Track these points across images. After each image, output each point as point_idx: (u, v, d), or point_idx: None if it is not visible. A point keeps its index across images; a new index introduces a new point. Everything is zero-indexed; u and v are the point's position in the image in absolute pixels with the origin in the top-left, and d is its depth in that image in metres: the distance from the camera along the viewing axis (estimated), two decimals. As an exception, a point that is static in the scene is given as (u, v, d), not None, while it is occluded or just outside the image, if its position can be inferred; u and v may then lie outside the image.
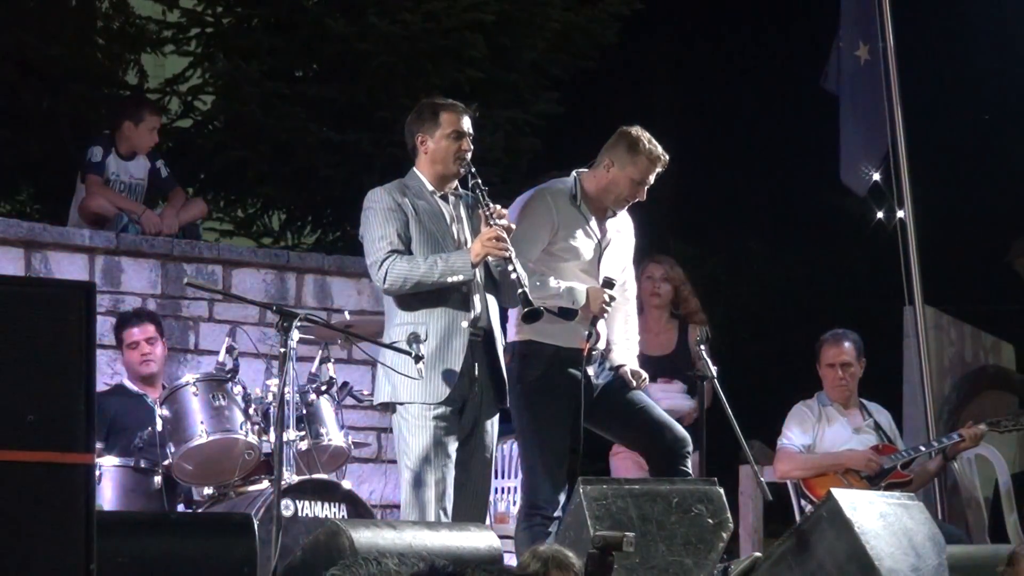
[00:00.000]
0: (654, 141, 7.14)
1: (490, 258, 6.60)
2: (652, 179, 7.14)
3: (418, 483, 6.48)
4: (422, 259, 6.54)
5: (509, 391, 6.89)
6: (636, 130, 7.18)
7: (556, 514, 6.80)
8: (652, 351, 7.93)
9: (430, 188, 6.74)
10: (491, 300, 6.73)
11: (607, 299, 6.96)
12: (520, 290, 6.51)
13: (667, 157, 7.14)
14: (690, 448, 6.98)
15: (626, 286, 7.36)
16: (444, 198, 6.77)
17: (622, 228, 7.28)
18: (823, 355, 8.66)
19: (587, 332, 6.94)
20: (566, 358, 7.03)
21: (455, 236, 6.71)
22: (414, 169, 6.80)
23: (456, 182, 6.83)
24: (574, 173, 7.22)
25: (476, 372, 6.62)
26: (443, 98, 6.92)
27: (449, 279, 6.53)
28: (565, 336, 7.02)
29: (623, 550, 5.36)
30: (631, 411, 7.14)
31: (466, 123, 6.75)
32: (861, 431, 8.60)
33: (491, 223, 6.57)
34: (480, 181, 6.69)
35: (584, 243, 7.10)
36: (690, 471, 6.92)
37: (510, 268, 6.53)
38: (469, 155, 6.72)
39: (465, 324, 6.59)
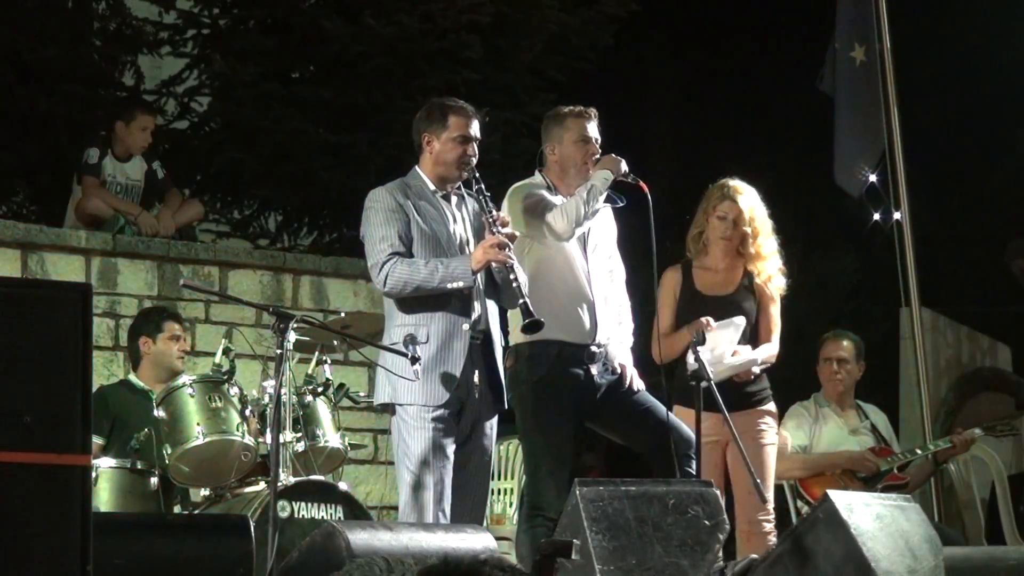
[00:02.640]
0: (573, 105, 7.26)
1: (493, 264, 6.61)
2: (594, 132, 7.19)
3: (417, 485, 6.47)
4: (423, 263, 6.52)
5: (513, 392, 6.90)
6: (553, 109, 7.35)
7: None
8: (707, 290, 7.65)
9: (432, 188, 6.71)
10: (491, 303, 6.72)
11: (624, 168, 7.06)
12: (521, 300, 6.52)
13: (593, 109, 7.23)
14: (694, 448, 6.96)
15: (614, 273, 7.37)
16: (446, 198, 6.74)
17: (602, 215, 7.28)
18: (822, 350, 8.70)
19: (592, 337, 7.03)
20: (570, 356, 7.04)
21: (457, 237, 6.68)
22: (416, 168, 6.77)
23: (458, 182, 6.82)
24: (536, 173, 7.28)
25: (475, 375, 6.60)
26: (454, 100, 6.91)
27: (449, 285, 6.51)
28: (568, 330, 7.04)
29: (571, 557, 5.40)
30: (636, 412, 7.13)
31: (474, 128, 6.72)
32: (857, 432, 8.61)
33: (494, 231, 6.57)
34: (483, 186, 6.69)
35: None
36: (694, 472, 6.91)
37: (511, 277, 6.53)
38: (474, 161, 6.71)
39: (466, 327, 6.56)
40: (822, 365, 8.66)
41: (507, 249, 6.51)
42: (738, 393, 7.43)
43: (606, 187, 7.04)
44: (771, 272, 7.70)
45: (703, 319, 7.31)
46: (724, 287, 7.64)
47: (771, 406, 7.63)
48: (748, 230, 7.63)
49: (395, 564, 5.05)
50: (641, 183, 7.08)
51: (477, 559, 4.34)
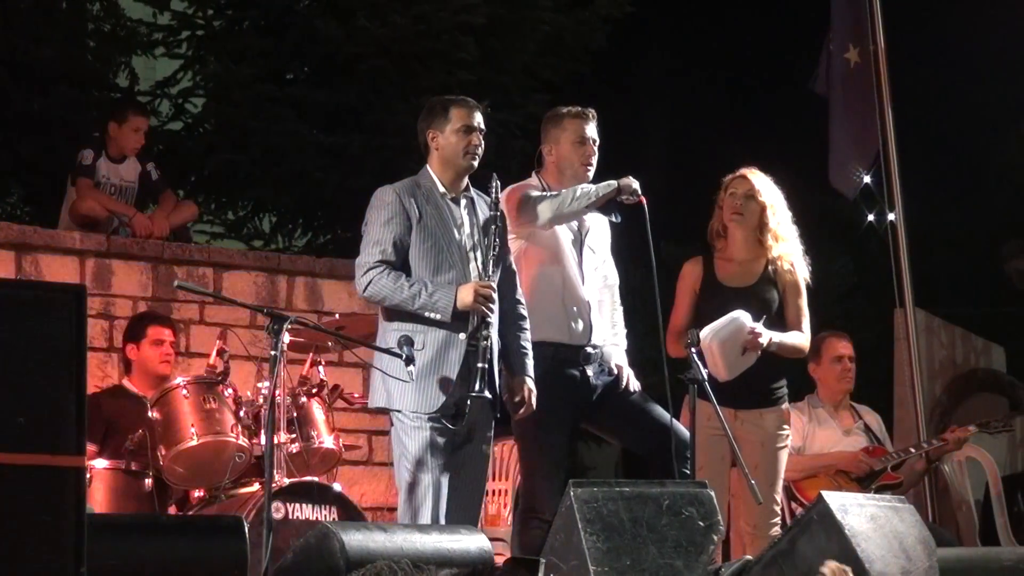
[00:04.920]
0: (571, 106, 7.27)
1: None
2: (592, 133, 7.21)
3: (413, 491, 6.47)
4: (407, 284, 6.48)
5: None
6: (552, 110, 7.34)
7: (555, 518, 6.79)
8: (728, 281, 7.47)
9: (441, 190, 6.69)
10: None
11: (635, 188, 7.05)
12: (480, 364, 6.51)
13: (592, 110, 7.24)
14: (691, 449, 6.94)
15: (608, 278, 7.38)
16: (455, 201, 6.74)
17: (596, 218, 7.29)
18: (829, 349, 8.63)
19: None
20: (565, 358, 7.05)
21: (461, 244, 6.66)
22: (427, 167, 6.75)
23: (467, 181, 6.80)
24: (533, 174, 7.28)
25: (471, 382, 6.55)
26: (454, 95, 6.94)
27: (427, 314, 6.50)
28: (563, 332, 7.06)
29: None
30: (633, 412, 7.14)
31: (477, 118, 6.71)
32: (851, 433, 8.62)
33: (489, 275, 6.60)
34: (500, 214, 6.71)
35: (565, 234, 7.17)
36: (690, 472, 6.90)
37: (484, 334, 6.53)
38: (480, 150, 6.71)
39: (463, 336, 6.56)
40: (831, 364, 8.62)
41: (492, 302, 6.53)
42: (758, 391, 7.37)
43: (603, 192, 7.03)
44: (793, 259, 7.48)
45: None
46: (745, 278, 7.47)
47: (787, 406, 7.54)
48: (769, 216, 7.43)
49: (421, 567, 5.09)
50: (641, 197, 7.08)
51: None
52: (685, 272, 7.56)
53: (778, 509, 7.47)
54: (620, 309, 7.43)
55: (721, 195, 7.52)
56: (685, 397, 7.07)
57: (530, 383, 6.73)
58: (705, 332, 7.10)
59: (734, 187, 7.47)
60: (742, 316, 7.20)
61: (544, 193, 7.09)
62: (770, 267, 7.47)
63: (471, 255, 6.66)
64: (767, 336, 7.23)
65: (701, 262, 7.55)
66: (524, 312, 6.85)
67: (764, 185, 7.47)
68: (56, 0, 11.04)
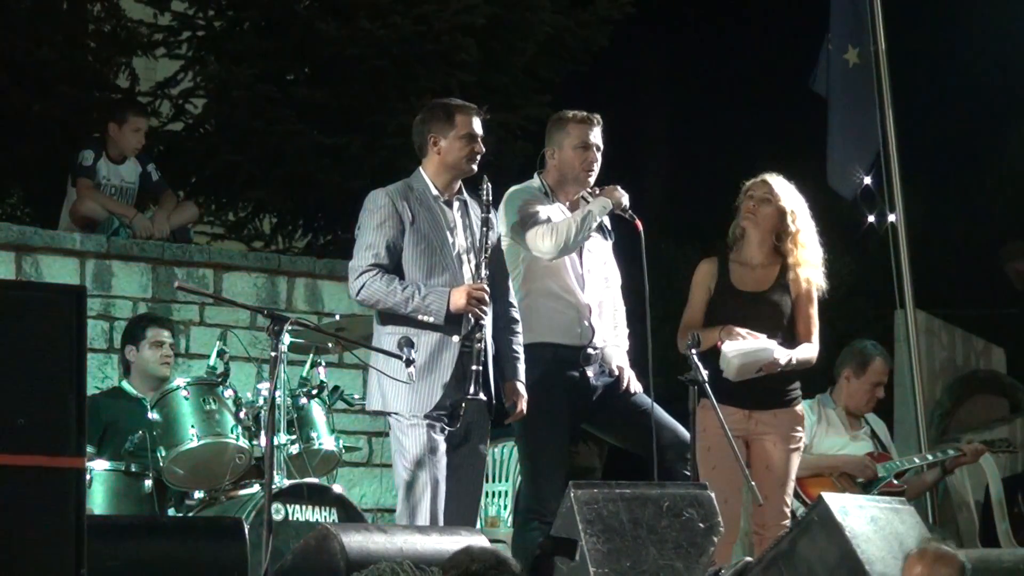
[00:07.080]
0: (577, 110, 7.25)
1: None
2: (596, 139, 7.21)
3: (411, 488, 6.47)
4: (400, 287, 6.49)
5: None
6: (558, 112, 7.33)
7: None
8: (742, 286, 7.44)
9: (434, 193, 6.69)
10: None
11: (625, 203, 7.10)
12: (475, 365, 6.50)
13: (597, 116, 7.24)
14: (690, 450, 6.94)
15: (608, 279, 7.37)
16: (448, 203, 6.73)
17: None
18: (876, 369, 8.60)
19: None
20: (564, 359, 7.05)
21: (455, 246, 6.66)
22: (420, 170, 6.75)
23: (459, 184, 6.79)
24: (535, 175, 7.27)
25: (466, 383, 6.56)
26: (455, 99, 6.93)
27: (420, 317, 6.51)
28: (562, 333, 7.05)
29: (573, 558, 5.48)
30: (634, 413, 7.14)
31: (478, 125, 6.72)
32: (857, 439, 8.60)
33: (481, 277, 6.59)
34: (492, 216, 6.70)
35: None
36: (690, 473, 6.89)
37: (478, 336, 6.52)
38: (479, 157, 6.71)
39: (456, 339, 6.56)
40: (871, 384, 8.59)
41: (485, 304, 6.53)
42: (772, 392, 7.36)
43: (602, 215, 7.06)
44: (810, 268, 7.47)
45: (735, 329, 7.22)
46: (759, 284, 7.45)
47: (800, 408, 7.53)
48: (788, 222, 7.41)
49: (423, 569, 5.08)
50: (637, 221, 7.08)
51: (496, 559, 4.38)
52: (701, 271, 7.52)
53: (788, 511, 7.44)
54: (622, 310, 7.43)
55: (740, 199, 7.51)
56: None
57: (521, 387, 6.73)
58: (731, 347, 7.13)
59: (752, 191, 7.46)
60: (773, 347, 7.26)
61: (540, 217, 7.06)
62: (786, 274, 7.46)
63: (464, 258, 6.66)
64: (785, 360, 7.27)
65: (716, 263, 7.52)
66: (516, 315, 6.84)
67: (783, 190, 7.45)
68: (56, 1, 11.02)
